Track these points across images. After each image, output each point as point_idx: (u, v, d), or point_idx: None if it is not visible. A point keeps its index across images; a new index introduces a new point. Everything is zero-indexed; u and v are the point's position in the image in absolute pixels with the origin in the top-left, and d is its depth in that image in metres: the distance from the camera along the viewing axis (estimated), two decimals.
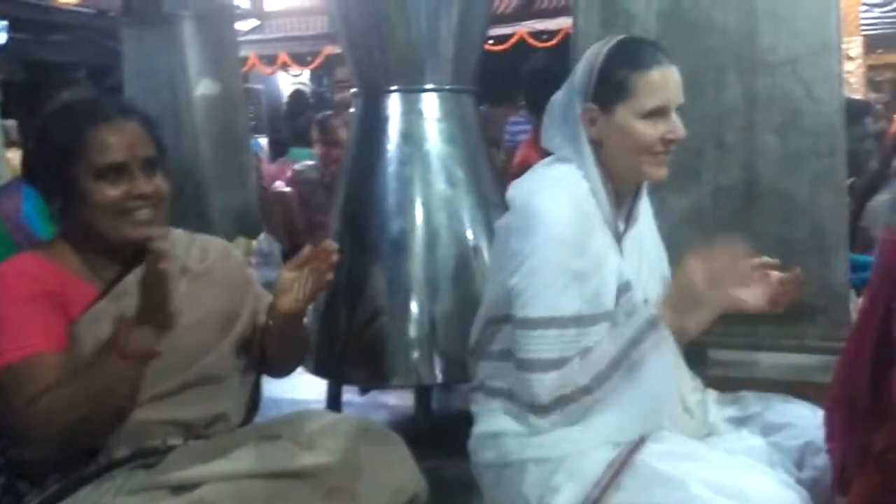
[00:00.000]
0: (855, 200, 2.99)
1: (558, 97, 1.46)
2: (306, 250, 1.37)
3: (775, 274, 1.39)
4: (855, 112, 2.52)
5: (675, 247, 1.52)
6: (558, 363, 1.30)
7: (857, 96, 6.40)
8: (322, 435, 1.27)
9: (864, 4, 8.27)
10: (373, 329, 2.21)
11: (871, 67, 8.26)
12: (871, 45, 7.95)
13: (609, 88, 1.37)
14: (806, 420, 1.39)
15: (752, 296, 1.35)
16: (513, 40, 9.57)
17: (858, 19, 4.73)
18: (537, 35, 9.57)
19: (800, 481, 1.30)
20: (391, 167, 2.23)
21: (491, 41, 8.88)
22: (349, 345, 2.26)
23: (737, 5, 1.98)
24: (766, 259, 1.40)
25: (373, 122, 2.31)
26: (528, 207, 1.35)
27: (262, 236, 4.18)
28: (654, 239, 1.55)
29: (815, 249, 1.98)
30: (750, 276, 1.35)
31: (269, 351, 1.46)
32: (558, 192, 1.36)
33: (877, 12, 8.95)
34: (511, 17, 9.71)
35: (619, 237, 1.43)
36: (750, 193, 2.00)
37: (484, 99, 3.67)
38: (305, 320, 1.63)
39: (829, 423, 1.27)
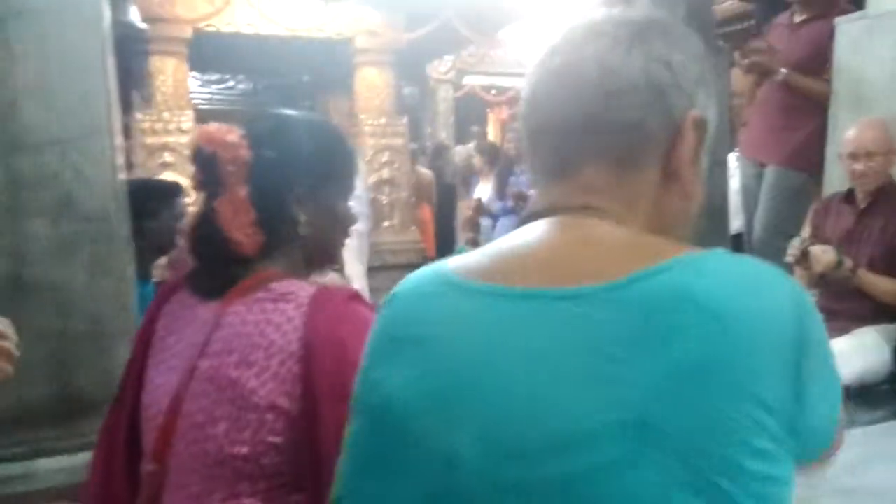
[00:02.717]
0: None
1: None
2: None
3: None
4: (169, 191, 2.73)
5: None
6: None
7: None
8: None
9: (201, 80, 9.21)
10: None
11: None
12: (204, 118, 8.89)
13: None
14: None
15: None
16: None
17: (189, 93, 5.19)
18: None
19: None
20: None
21: None
22: None
23: None
24: None
25: None
26: None
27: None
28: None
29: (96, 340, 2.01)
30: None
31: None
32: None
33: (213, 88, 10.09)
34: None
35: None
36: (18, 284, 1.93)
37: None
38: None
39: None
